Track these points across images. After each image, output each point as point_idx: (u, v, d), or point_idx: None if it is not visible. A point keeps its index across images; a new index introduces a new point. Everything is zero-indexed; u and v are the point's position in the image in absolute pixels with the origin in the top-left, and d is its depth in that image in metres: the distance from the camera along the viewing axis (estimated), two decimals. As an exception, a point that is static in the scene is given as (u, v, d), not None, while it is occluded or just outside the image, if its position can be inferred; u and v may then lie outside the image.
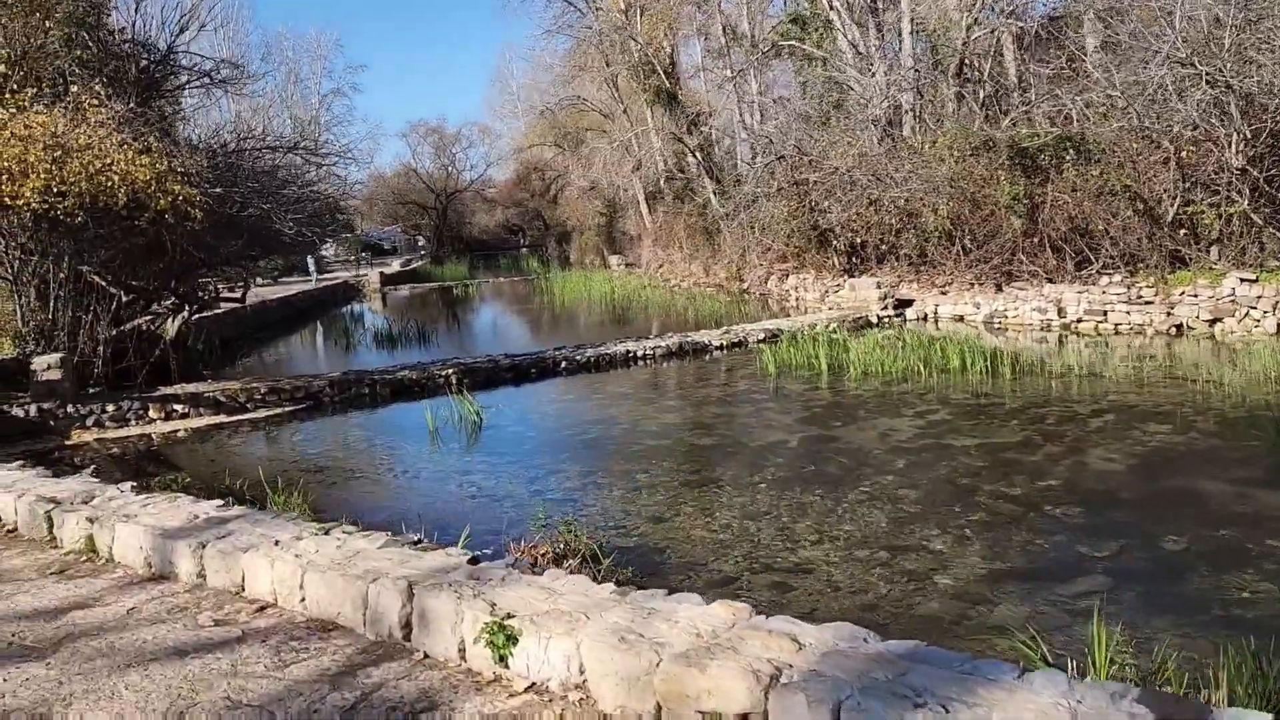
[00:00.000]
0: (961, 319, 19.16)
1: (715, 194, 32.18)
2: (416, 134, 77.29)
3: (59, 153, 10.30)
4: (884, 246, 21.63)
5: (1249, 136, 14.85)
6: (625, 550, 7.10)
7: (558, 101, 46.65)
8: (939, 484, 8.63)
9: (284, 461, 11.25)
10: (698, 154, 32.22)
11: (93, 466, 11.28)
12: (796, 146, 23.38)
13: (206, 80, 17.19)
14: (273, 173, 15.77)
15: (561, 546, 6.63)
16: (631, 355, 17.03)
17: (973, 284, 20.09)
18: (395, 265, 59.96)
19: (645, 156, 40.76)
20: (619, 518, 8.24)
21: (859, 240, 22.58)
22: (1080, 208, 16.42)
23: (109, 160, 10.61)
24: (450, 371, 15.58)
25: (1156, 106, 15.34)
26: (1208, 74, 14.64)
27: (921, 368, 13.71)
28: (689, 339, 17.87)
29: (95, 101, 11.34)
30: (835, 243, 24.35)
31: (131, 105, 12.34)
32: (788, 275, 28.51)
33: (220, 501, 6.73)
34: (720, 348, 17.72)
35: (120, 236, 13.69)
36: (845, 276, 25.03)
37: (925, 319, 19.82)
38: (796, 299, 26.87)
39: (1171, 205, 15.91)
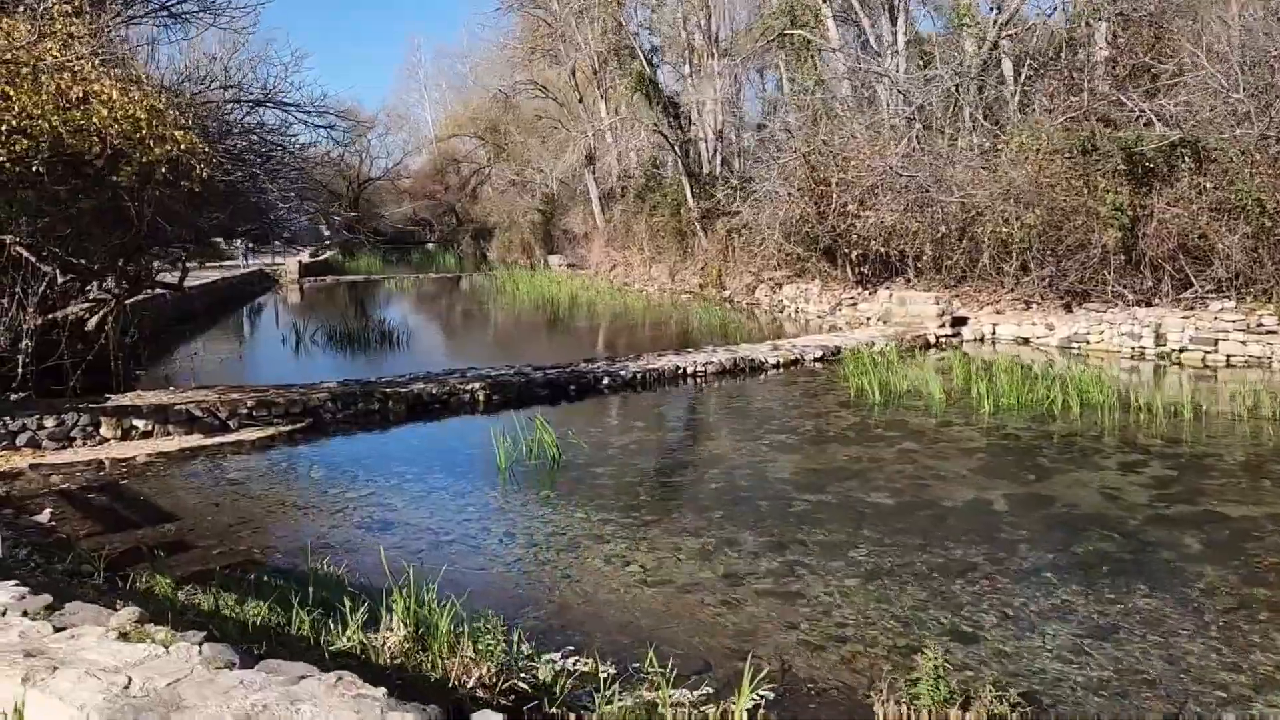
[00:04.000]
0: (1027, 341, 17.16)
1: (693, 193, 29.75)
2: (330, 116, 72.63)
3: (23, 70, 7.12)
4: (924, 258, 19.54)
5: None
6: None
7: (512, 85, 43.42)
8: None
9: (323, 511, 8.29)
10: (677, 149, 29.73)
11: (47, 512, 8.13)
12: (824, 141, 21.11)
13: (165, 12, 13.83)
14: (257, 131, 12.57)
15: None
16: (681, 372, 14.46)
17: (1028, 303, 18.18)
18: (304, 255, 55.57)
19: (603, 150, 38.10)
20: (908, 634, 5.67)
21: (889, 250, 20.44)
22: (1195, 222, 14.56)
23: (94, 88, 7.46)
24: (476, 386, 12.74)
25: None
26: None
27: (1073, 403, 11.52)
28: (739, 354, 15.38)
29: (69, 7, 8.11)
30: (850, 252, 22.21)
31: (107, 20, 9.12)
32: (780, 285, 26.30)
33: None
34: (776, 366, 15.28)
35: (66, 198, 10.39)
36: (859, 288, 22.97)
37: (982, 340, 17.77)
38: (795, 310, 24.66)
39: (1294, 224, 14.20)
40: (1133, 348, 15.56)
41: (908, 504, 8.32)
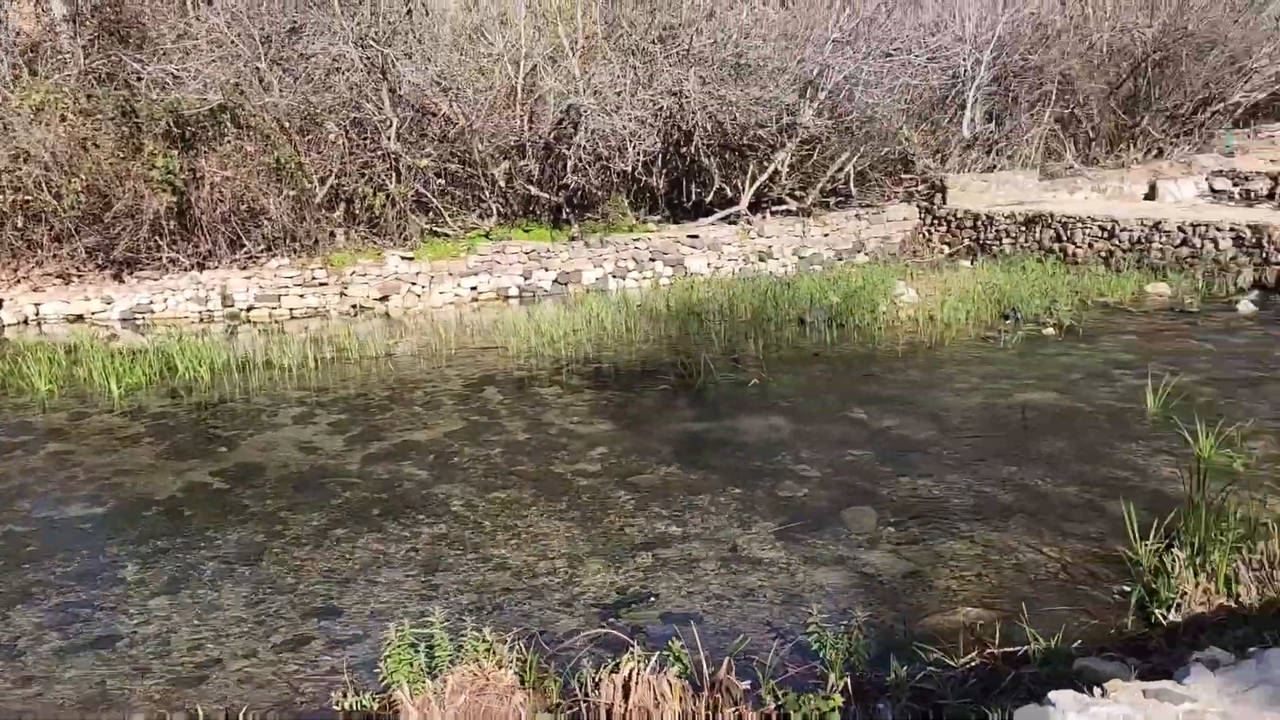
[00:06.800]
0: (81, 318, 15.81)
1: None
2: None
3: None
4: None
5: (400, 124, 15.91)
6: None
7: None
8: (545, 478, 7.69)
9: None
10: None
11: None
12: None
13: None
14: None
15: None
16: None
17: (67, 278, 16.71)
18: None
19: None
20: (294, 629, 5.26)
21: None
22: (246, 185, 15.15)
23: None
24: None
25: (316, 84, 15.15)
26: (368, 58, 15.13)
27: (201, 372, 11.26)
28: None
29: None
30: None
31: None
32: None
33: None
34: None
35: None
36: None
37: (26, 323, 15.75)
38: None
39: (323, 185, 15.99)
40: (201, 311, 15.69)
41: (121, 508, 7.36)
